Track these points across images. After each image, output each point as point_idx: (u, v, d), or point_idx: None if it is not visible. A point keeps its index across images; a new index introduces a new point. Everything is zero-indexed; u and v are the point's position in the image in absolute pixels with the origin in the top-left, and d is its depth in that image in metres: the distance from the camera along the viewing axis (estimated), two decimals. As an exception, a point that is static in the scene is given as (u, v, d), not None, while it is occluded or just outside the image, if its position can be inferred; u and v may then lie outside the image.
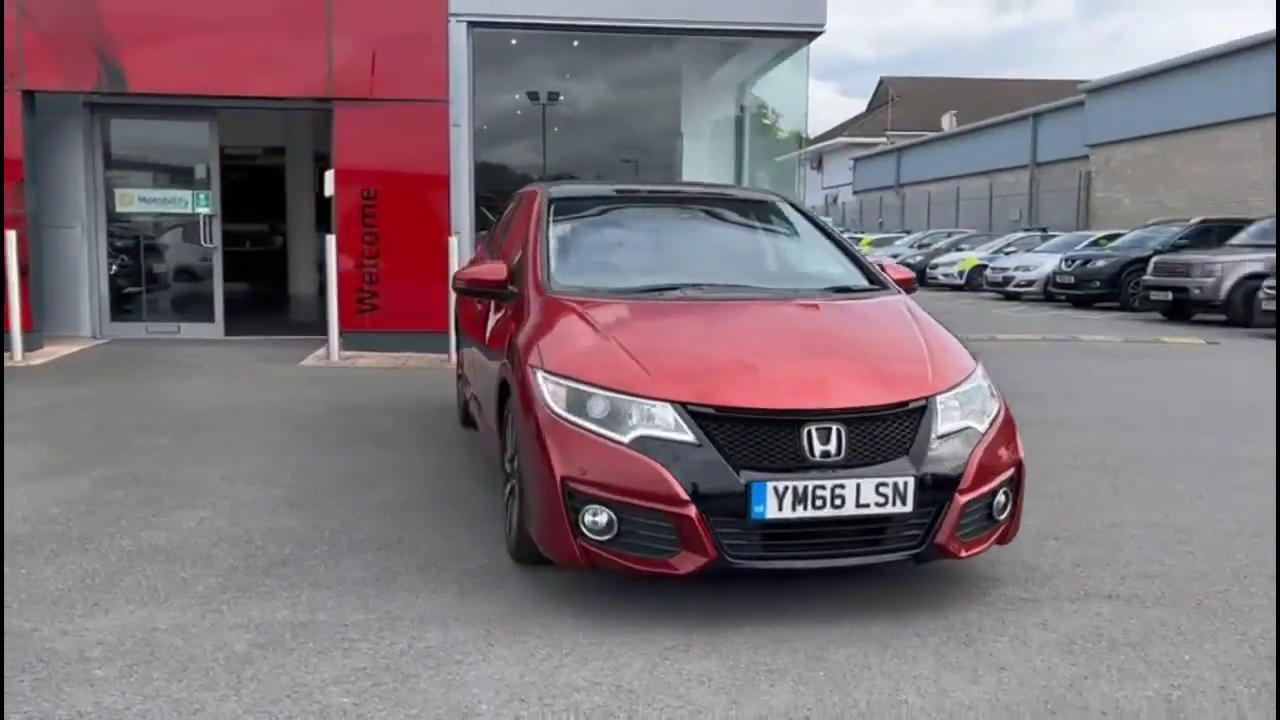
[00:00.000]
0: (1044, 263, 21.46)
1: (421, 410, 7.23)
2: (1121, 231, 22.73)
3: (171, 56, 9.69)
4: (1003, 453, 3.68)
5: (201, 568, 3.89)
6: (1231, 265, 16.08)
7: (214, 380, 8.48)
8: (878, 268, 4.75)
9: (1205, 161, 24.91)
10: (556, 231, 4.68)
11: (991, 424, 3.69)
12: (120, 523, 4.46)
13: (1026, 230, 28.10)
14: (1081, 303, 19.69)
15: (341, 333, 9.71)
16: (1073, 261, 19.97)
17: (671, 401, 3.43)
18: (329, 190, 9.89)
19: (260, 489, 5.04)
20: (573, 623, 3.39)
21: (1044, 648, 3.24)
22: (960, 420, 3.60)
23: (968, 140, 39.66)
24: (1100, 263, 19.83)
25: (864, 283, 4.58)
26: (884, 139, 49.87)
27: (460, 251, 9.64)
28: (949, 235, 30.98)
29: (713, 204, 5.41)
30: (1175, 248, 18.65)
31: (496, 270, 4.53)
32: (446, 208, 10.00)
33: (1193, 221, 20.36)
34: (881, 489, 3.35)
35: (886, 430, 3.47)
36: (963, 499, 3.48)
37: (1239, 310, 15.61)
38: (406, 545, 4.20)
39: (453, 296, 7.42)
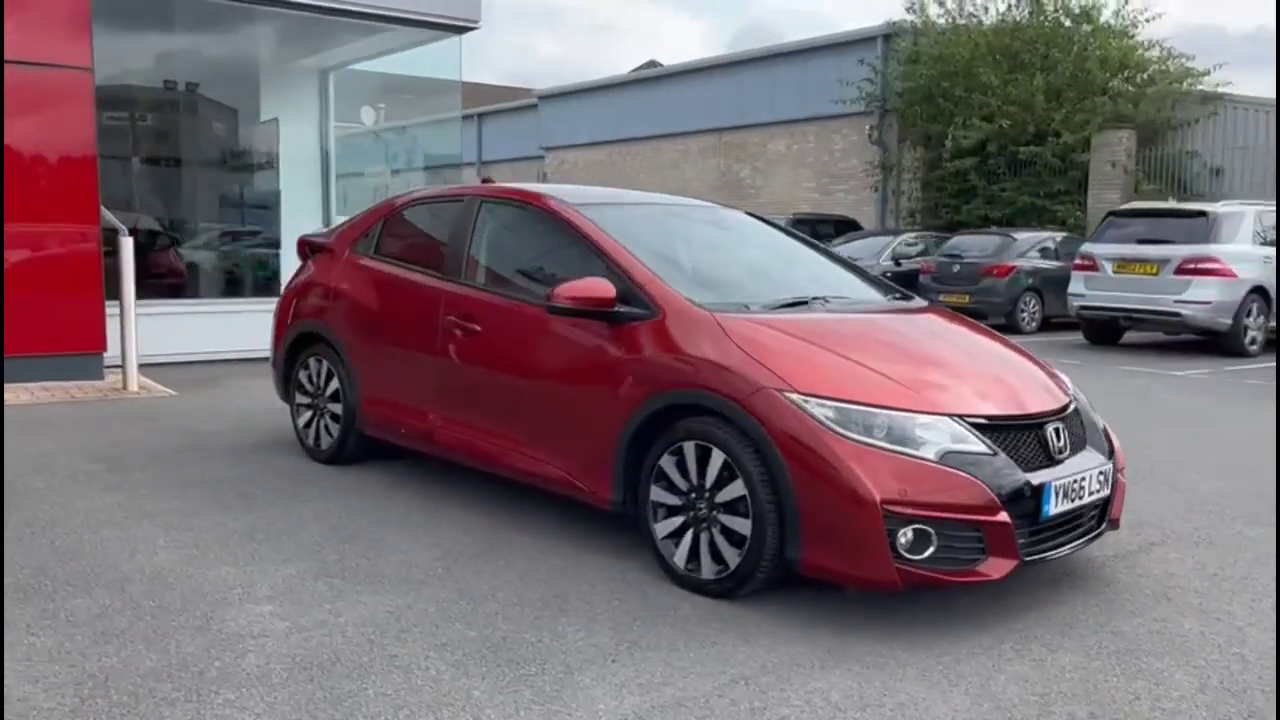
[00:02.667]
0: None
1: (226, 450, 6.01)
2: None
3: None
4: None
5: (433, 670, 3.12)
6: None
7: None
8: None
9: (651, 168, 28.41)
10: (631, 244, 4.38)
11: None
12: (177, 635, 3.31)
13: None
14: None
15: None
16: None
17: (949, 415, 3.58)
18: (-82, 174, 7.52)
19: (263, 568, 4.00)
20: (903, 644, 3.39)
21: (1223, 593, 3.97)
22: (1089, 411, 4.23)
23: (403, 135, 40.28)
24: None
25: (889, 291, 4.95)
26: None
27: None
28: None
29: (704, 212, 5.37)
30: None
31: (605, 288, 4.13)
32: (94, 200, 8.14)
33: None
34: (1100, 477, 3.85)
35: (1075, 426, 3.98)
36: (1122, 478, 4.12)
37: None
38: (575, 601, 3.73)
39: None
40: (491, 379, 4.65)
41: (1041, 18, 20.26)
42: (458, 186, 5.47)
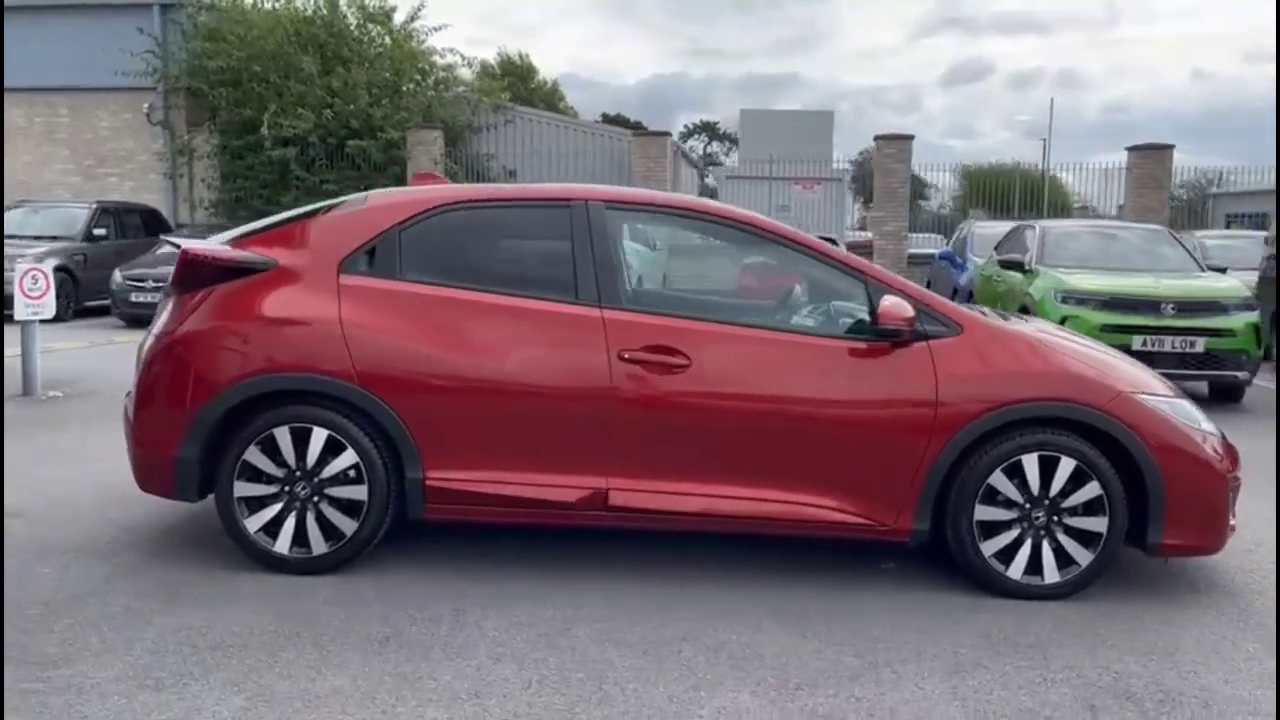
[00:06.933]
0: None
1: (113, 579, 3.75)
2: None
3: None
4: None
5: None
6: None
7: None
8: None
9: None
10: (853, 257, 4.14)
11: None
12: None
13: None
14: None
15: None
16: None
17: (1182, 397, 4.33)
18: None
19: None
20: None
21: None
22: None
23: None
24: None
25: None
26: None
27: None
28: None
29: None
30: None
31: (909, 307, 3.87)
32: None
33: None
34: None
35: None
36: None
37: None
38: (1019, 645, 3.60)
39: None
40: (719, 421, 3.91)
41: (337, 12, 20.30)
42: (533, 188, 4.20)
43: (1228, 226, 24.86)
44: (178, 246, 4.13)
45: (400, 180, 19.62)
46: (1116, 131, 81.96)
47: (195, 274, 4.05)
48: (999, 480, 3.92)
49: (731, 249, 4.82)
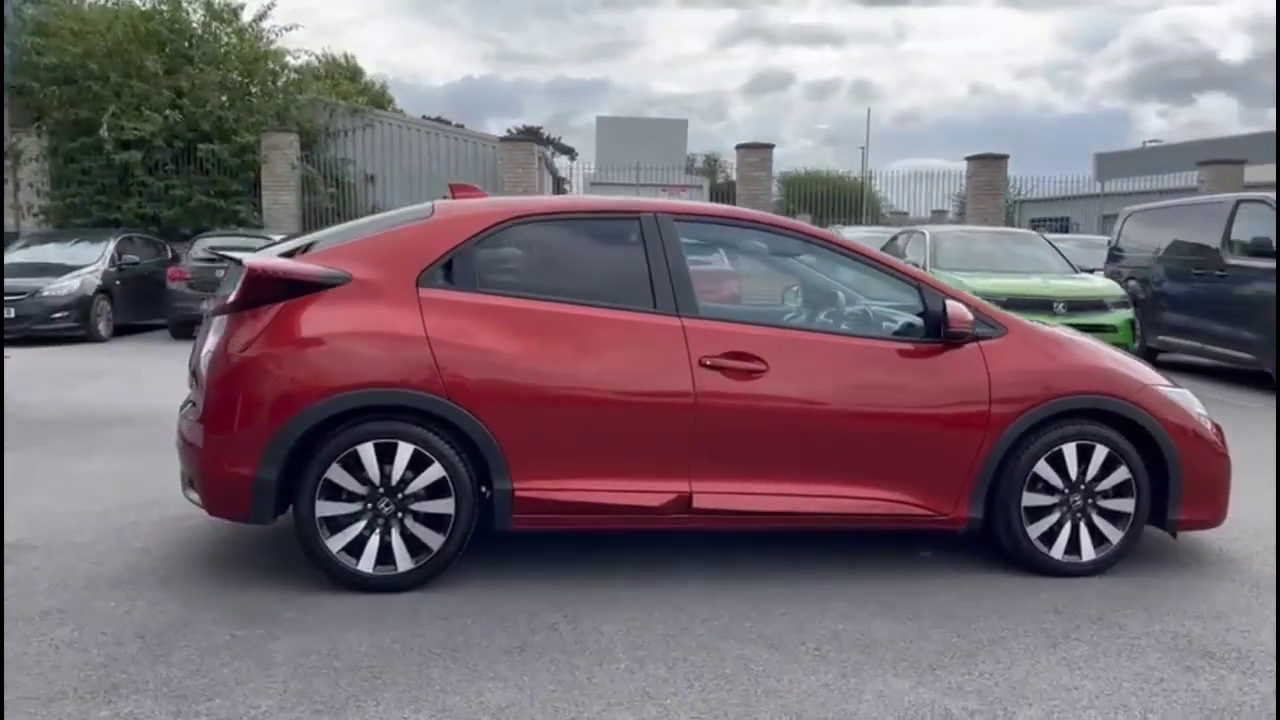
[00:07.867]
0: None
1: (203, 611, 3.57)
2: None
3: None
4: None
5: None
6: None
7: None
8: None
9: None
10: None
11: None
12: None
13: None
14: None
15: None
16: None
17: None
18: None
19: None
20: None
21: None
22: None
23: None
24: None
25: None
26: None
27: None
28: None
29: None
30: None
31: (968, 311, 4.16)
32: None
33: None
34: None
35: None
36: None
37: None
38: (1097, 611, 3.95)
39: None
40: (797, 422, 4.08)
41: (180, 10, 19.31)
42: (599, 200, 4.22)
43: (1034, 230, 27.06)
44: (239, 262, 3.96)
45: (255, 184, 18.90)
46: (908, 139, 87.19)
47: (261, 290, 3.90)
48: (1043, 469, 4.26)
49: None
